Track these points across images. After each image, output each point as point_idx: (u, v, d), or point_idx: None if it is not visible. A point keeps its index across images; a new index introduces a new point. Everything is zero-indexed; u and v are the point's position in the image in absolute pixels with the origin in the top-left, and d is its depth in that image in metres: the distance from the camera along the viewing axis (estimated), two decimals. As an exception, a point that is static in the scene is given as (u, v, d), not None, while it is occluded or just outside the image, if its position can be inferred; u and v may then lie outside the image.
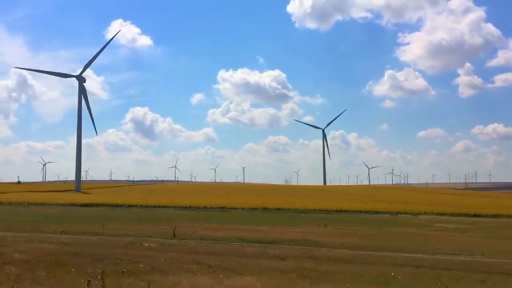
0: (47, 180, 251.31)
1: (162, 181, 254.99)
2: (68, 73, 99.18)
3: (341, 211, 45.88)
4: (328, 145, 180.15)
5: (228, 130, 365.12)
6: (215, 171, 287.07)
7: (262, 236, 22.95)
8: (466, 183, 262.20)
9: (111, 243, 19.08)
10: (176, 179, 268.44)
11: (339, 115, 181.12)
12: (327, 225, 29.32)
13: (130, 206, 48.17)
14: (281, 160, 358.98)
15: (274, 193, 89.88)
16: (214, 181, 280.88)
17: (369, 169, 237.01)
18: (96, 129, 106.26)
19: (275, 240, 21.12)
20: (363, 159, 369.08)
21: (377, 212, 45.17)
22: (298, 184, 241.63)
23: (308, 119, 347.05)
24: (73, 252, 15.82)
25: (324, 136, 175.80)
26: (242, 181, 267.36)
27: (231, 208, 47.07)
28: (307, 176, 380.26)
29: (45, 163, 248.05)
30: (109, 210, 43.59)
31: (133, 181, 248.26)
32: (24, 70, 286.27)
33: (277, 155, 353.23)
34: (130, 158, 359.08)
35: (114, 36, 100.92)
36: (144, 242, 19.43)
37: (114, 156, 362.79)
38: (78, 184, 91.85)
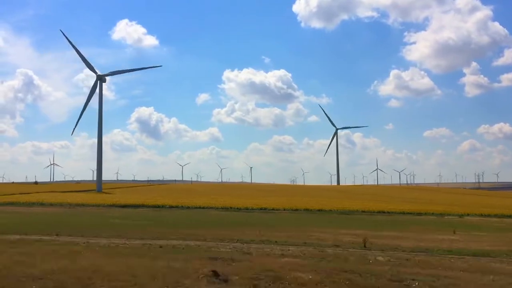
0: (54, 180, 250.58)
1: (176, 181, 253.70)
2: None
3: (389, 212, 44.77)
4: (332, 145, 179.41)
5: (233, 130, 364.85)
6: (221, 171, 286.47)
7: (419, 244, 18.97)
8: (478, 183, 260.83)
9: (345, 256, 14.48)
10: (183, 179, 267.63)
11: (358, 127, 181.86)
12: (455, 231, 24.92)
13: (172, 207, 46.98)
14: (286, 160, 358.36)
15: (294, 193, 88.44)
16: (220, 181, 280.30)
17: (378, 169, 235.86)
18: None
19: (460, 251, 17.22)
20: (368, 159, 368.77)
21: (420, 214, 44.52)
22: (306, 184, 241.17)
23: (313, 119, 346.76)
24: (339, 268, 11.92)
25: (336, 136, 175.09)
26: (250, 181, 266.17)
27: (273, 209, 45.96)
28: (312, 176, 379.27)
29: (53, 164, 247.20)
30: (162, 212, 42.07)
31: (152, 180, 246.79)
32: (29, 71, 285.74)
33: (282, 154, 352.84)
34: (135, 158, 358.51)
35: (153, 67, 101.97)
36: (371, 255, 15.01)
37: (119, 156, 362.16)
38: (100, 184, 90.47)
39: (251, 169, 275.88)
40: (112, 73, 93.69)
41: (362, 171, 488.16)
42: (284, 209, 45.77)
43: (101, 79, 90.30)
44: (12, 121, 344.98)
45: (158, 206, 47.71)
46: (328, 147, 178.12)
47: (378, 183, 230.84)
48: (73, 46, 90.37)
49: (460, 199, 79.80)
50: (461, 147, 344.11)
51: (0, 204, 47.89)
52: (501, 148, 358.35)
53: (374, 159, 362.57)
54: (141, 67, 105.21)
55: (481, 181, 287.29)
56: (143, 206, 47.81)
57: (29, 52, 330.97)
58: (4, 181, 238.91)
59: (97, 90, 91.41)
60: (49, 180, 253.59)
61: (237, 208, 46.00)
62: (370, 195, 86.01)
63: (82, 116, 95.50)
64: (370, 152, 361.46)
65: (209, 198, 58.16)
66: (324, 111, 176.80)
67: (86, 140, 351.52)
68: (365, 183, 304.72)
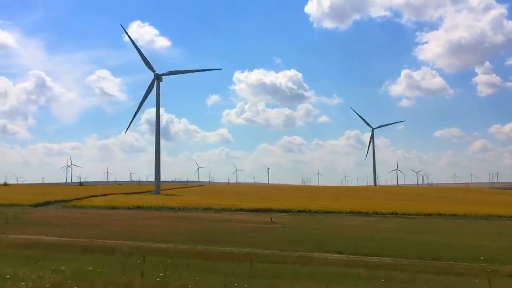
0: (72, 181, 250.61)
1: (193, 181, 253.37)
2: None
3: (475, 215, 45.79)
4: (374, 146, 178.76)
5: (243, 131, 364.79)
6: (236, 172, 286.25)
7: None
8: (493, 182, 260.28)
9: None
10: (199, 180, 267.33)
11: (393, 123, 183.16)
12: None
13: (300, 211, 48.52)
14: (296, 160, 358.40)
15: (393, 197, 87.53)
16: (236, 182, 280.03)
17: (398, 170, 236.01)
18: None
19: None
20: (378, 159, 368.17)
21: (501, 216, 45.96)
22: (320, 185, 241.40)
23: (323, 119, 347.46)
24: None
25: (373, 136, 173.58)
26: (267, 182, 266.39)
27: (405, 214, 46.71)
28: (323, 177, 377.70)
29: (71, 165, 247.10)
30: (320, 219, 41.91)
31: (167, 181, 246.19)
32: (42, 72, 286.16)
33: (292, 155, 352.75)
34: (145, 159, 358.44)
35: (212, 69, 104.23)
36: None
37: (129, 156, 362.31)
38: (158, 186, 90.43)
39: (268, 170, 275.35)
40: (169, 73, 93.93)
41: (371, 172, 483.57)
42: (417, 214, 46.36)
43: (158, 78, 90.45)
44: (24, 123, 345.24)
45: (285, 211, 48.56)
46: (368, 148, 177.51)
47: (398, 184, 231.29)
48: (134, 44, 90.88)
49: (496, 199, 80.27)
50: (472, 147, 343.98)
51: (127, 207, 48.75)
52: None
53: (384, 160, 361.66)
54: (196, 69, 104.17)
55: (495, 181, 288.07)
56: (246, 210, 48.62)
57: (40, 54, 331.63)
58: (19, 182, 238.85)
59: (154, 89, 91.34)
60: (64, 181, 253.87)
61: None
62: (435, 197, 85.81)
63: (136, 115, 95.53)
64: (380, 152, 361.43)
65: (331, 202, 58.84)
66: (356, 112, 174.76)
67: (96, 142, 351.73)
68: (381, 184, 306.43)
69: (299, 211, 48.08)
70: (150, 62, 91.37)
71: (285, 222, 35.94)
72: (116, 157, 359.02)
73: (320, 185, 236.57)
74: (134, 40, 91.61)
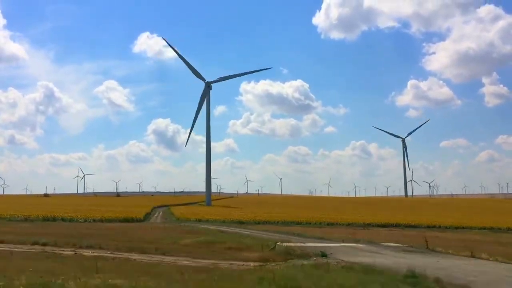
0: (85, 192, 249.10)
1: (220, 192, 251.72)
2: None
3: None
4: (408, 155, 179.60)
5: (249, 141, 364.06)
6: (246, 182, 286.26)
7: None
8: (504, 194, 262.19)
9: None
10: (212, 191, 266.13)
11: (421, 125, 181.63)
12: None
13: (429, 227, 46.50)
14: (301, 170, 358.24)
15: (414, 207, 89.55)
16: (246, 192, 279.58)
17: (413, 181, 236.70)
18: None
19: None
20: (384, 169, 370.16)
21: None
22: (330, 196, 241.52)
23: (329, 129, 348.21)
24: None
25: (405, 145, 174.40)
26: (279, 193, 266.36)
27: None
28: (327, 187, 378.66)
29: (83, 175, 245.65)
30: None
31: (177, 192, 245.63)
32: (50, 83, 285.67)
33: (297, 165, 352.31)
34: (151, 170, 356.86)
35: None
36: None
37: (136, 167, 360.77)
38: (209, 197, 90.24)
39: (280, 181, 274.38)
40: (219, 80, 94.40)
41: (378, 182, 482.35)
42: (499, 228, 45.80)
43: (208, 86, 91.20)
44: (32, 133, 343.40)
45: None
46: (404, 160, 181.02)
47: (413, 195, 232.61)
48: (179, 55, 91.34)
49: None
50: (479, 158, 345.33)
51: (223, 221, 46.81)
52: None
53: (389, 170, 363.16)
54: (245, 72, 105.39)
55: (505, 192, 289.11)
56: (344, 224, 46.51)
57: (48, 64, 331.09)
58: (28, 193, 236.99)
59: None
60: (75, 191, 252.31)
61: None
62: (479, 208, 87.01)
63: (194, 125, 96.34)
64: (386, 162, 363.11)
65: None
66: (380, 129, 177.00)
67: (102, 152, 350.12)
68: (389, 195, 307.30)
69: (428, 227, 45.90)
70: (199, 73, 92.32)
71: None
72: (123, 168, 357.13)
73: (336, 196, 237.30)
74: (178, 51, 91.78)
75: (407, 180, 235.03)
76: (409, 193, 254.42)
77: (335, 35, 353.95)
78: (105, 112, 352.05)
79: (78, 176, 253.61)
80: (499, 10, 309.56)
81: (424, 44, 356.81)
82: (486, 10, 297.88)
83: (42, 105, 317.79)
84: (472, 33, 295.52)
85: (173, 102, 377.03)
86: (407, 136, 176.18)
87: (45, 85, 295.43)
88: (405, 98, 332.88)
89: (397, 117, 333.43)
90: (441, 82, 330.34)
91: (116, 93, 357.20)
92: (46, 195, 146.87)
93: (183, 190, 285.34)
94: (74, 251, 18.35)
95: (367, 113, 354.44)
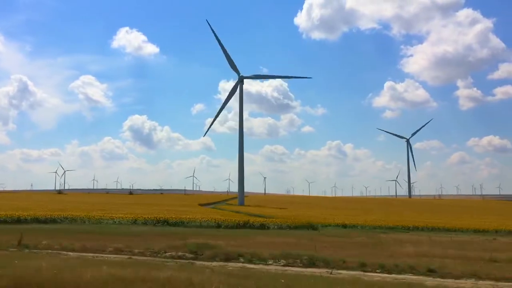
0: (64, 188, 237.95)
1: (185, 190, 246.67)
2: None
3: None
4: (414, 155, 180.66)
5: (225, 139, 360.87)
6: (229, 180, 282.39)
7: None
8: (482, 195, 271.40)
9: None
10: (184, 188, 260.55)
11: (424, 125, 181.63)
12: None
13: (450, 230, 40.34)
14: (277, 170, 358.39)
15: (425, 209, 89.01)
16: (227, 191, 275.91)
17: (396, 181, 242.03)
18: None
19: None
20: (358, 170, 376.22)
21: None
22: (330, 196, 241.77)
23: (307, 129, 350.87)
24: None
25: (410, 146, 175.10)
26: (263, 192, 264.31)
27: None
28: (305, 187, 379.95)
29: (64, 171, 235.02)
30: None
31: (160, 190, 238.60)
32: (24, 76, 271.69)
33: (272, 164, 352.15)
34: (126, 166, 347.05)
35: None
36: None
37: (110, 164, 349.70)
38: (242, 197, 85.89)
39: (264, 180, 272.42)
40: (254, 77, 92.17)
41: (354, 182, 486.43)
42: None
43: (241, 80, 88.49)
44: (4, 128, 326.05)
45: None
46: (409, 160, 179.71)
47: (397, 195, 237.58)
48: (221, 45, 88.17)
49: None
50: (450, 159, 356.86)
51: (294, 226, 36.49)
52: (488, 160, 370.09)
53: (364, 171, 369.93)
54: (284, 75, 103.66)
55: (478, 193, 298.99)
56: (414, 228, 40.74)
57: (21, 58, 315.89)
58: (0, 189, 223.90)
59: (237, 91, 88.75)
60: (53, 187, 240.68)
61: None
62: (490, 209, 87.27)
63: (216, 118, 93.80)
64: (360, 163, 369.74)
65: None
66: (384, 130, 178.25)
67: (76, 148, 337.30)
68: (366, 195, 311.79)
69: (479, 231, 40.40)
70: (235, 65, 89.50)
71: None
72: (97, 164, 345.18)
73: (334, 196, 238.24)
74: (220, 40, 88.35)
75: (390, 180, 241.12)
76: (392, 193, 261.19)
77: (316, 35, 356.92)
78: (81, 107, 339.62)
79: (56, 172, 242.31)
80: (477, 14, 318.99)
81: (402, 47, 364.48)
82: (464, 14, 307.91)
83: (15, 99, 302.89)
84: (450, 36, 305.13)
85: (150, 99, 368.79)
86: (411, 137, 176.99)
87: (19, 78, 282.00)
88: (382, 99, 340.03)
89: (373, 118, 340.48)
90: (417, 84, 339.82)
91: (93, 89, 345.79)
92: (59, 192, 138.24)
93: (161, 187, 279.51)
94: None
95: (344, 113, 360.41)
